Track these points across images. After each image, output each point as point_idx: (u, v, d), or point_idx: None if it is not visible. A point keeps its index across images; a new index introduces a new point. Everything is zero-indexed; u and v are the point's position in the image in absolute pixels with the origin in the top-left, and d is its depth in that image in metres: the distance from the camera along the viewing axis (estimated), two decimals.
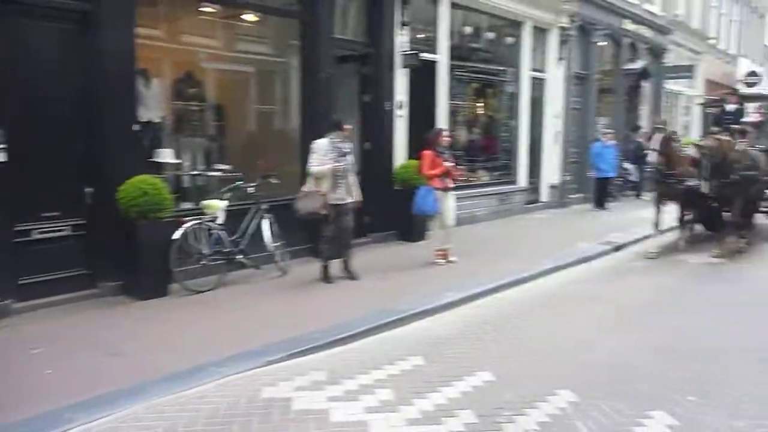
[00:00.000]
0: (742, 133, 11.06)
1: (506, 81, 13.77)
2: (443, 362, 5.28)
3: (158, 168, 7.69)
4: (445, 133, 8.94)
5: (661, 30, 19.78)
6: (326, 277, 7.64)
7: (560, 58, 14.81)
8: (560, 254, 9.33)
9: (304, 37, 9.18)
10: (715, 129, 11.20)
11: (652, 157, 9.25)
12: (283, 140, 9.55)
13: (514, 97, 13.93)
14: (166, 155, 7.91)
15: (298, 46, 9.28)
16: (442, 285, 7.45)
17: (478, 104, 13.08)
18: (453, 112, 12.29)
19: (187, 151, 8.48)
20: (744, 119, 11.86)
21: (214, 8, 8.58)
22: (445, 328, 6.21)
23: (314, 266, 7.91)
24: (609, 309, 6.96)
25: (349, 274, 7.77)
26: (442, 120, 11.48)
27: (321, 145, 7.52)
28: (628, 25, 17.66)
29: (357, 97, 10.43)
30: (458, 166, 8.86)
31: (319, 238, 7.71)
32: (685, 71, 20.71)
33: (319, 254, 7.85)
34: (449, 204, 8.79)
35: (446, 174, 8.58)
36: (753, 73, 26.43)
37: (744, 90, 18.19)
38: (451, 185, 8.75)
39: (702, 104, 13.54)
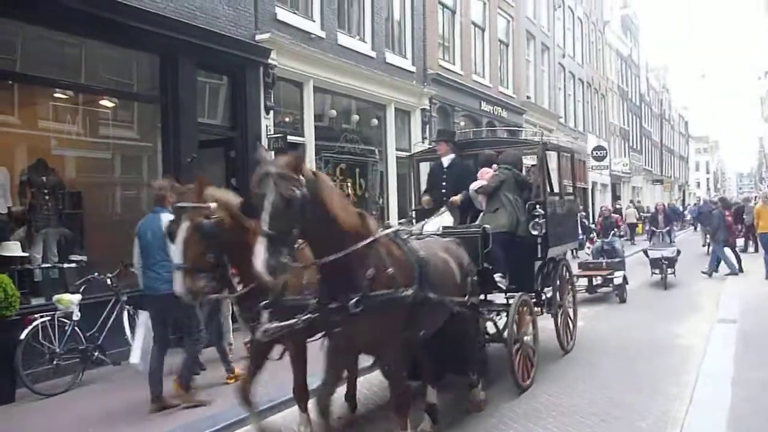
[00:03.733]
0: (463, 205, 7.13)
1: (374, 161, 14.20)
2: None
3: (4, 262, 7.15)
4: None
5: (516, 110, 21.33)
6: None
7: (424, 138, 15.50)
8: None
9: (167, 122, 9.07)
10: (425, 198, 7.59)
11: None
12: None
13: (382, 176, 14.35)
14: (12, 248, 7.39)
15: (161, 129, 9.14)
16: None
17: (347, 184, 13.32)
18: None
19: (38, 242, 7.95)
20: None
21: (67, 94, 8.32)
22: None
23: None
24: None
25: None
26: None
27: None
28: (485, 107, 18.89)
29: (225, 181, 10.33)
30: None
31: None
32: None
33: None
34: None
35: None
36: (600, 147, 29.02)
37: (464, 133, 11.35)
38: None
39: (411, 156, 8.92)
